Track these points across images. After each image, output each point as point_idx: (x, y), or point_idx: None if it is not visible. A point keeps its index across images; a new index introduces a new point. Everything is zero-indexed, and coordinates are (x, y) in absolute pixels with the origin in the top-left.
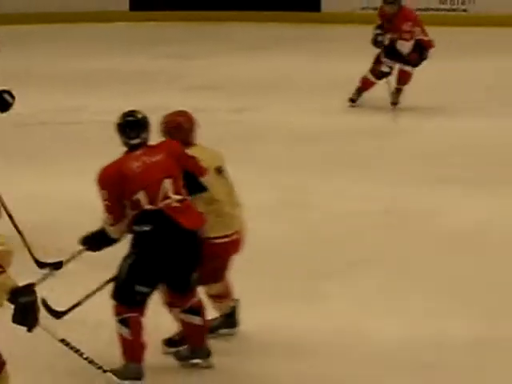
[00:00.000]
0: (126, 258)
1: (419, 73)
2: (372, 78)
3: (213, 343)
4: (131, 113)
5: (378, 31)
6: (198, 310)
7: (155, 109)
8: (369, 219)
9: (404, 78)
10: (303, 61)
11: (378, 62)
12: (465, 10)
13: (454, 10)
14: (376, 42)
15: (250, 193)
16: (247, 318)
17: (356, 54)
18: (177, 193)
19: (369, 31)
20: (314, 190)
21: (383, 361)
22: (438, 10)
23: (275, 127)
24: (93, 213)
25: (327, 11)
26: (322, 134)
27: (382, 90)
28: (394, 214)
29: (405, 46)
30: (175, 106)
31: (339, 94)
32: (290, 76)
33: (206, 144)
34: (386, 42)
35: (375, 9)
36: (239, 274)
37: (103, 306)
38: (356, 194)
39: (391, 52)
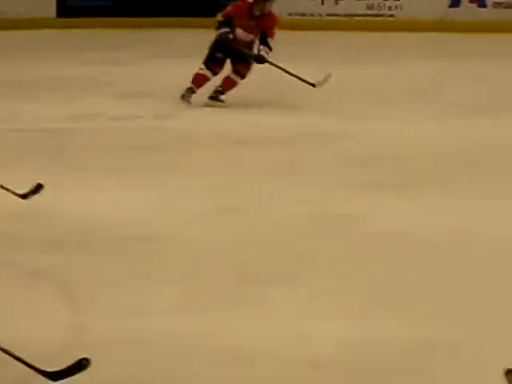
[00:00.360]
0: None
1: (351, 78)
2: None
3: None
4: None
5: None
6: None
7: (85, 116)
8: (303, 223)
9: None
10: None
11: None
12: (392, 16)
13: (380, 15)
14: None
15: (185, 198)
16: (184, 324)
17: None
18: None
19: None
20: (250, 194)
21: (321, 364)
22: (365, 15)
23: (210, 132)
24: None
25: None
26: (257, 139)
27: (317, 94)
28: (327, 218)
29: None
30: (106, 112)
31: (274, 98)
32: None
33: (141, 150)
34: None
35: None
36: (176, 279)
37: None
38: (291, 198)
39: None
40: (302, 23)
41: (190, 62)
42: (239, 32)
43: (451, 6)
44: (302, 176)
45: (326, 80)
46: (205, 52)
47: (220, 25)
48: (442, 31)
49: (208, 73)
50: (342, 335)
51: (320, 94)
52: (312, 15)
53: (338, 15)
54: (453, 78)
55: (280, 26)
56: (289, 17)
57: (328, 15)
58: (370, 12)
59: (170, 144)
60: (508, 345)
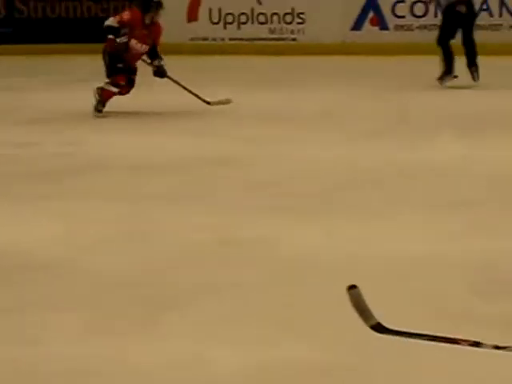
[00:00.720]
0: None
1: (252, 102)
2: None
3: None
4: None
5: None
6: None
7: None
8: (206, 248)
9: None
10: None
11: None
12: (294, 40)
13: (283, 39)
14: None
15: (86, 225)
16: (85, 352)
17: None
18: None
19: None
20: (150, 221)
21: None
22: (268, 39)
23: (116, 157)
24: None
25: None
26: (156, 164)
27: (217, 118)
28: (228, 243)
29: None
30: (8, 139)
31: (177, 123)
32: (128, 106)
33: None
34: None
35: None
36: (75, 306)
37: None
38: (195, 223)
39: None
40: (205, 48)
41: (91, 87)
42: (134, 42)
43: (353, 28)
44: (203, 201)
45: (223, 102)
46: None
47: (112, 31)
48: (345, 54)
49: (113, 88)
50: (239, 361)
51: (220, 118)
52: (214, 39)
53: (240, 39)
54: (356, 101)
55: (182, 50)
56: (191, 41)
57: (231, 39)
58: (272, 36)
59: (70, 171)
60: (420, 363)
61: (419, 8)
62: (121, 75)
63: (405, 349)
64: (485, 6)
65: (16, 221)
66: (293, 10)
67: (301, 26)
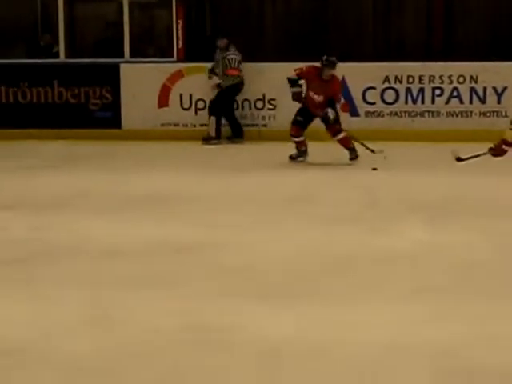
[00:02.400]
0: None
1: (225, 187)
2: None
3: None
4: None
5: None
6: None
7: None
8: (172, 335)
9: None
10: (101, 176)
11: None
12: (265, 126)
13: (254, 125)
14: None
15: (55, 309)
16: None
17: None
18: None
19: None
20: (117, 306)
21: None
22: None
23: (79, 243)
24: None
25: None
26: (123, 249)
27: (183, 204)
28: (197, 329)
29: None
30: None
31: (145, 208)
32: (93, 192)
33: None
34: None
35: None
36: None
37: None
38: (161, 309)
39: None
40: (175, 133)
41: (61, 172)
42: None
43: None
44: (170, 287)
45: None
46: (72, 161)
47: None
48: (316, 140)
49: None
50: None
51: (187, 203)
52: (186, 125)
53: None
54: (324, 186)
55: (153, 136)
56: (162, 127)
57: (201, 125)
58: (243, 121)
59: (38, 255)
60: None
61: (390, 94)
62: (296, 127)
63: None
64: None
65: None
66: (264, 96)
67: (271, 112)
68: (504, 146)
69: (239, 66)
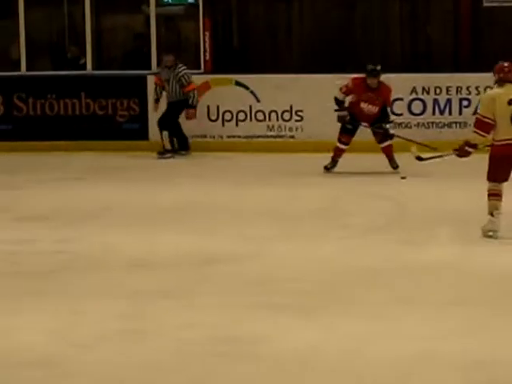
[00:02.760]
0: None
1: (252, 199)
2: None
3: None
4: None
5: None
6: None
7: None
8: (201, 347)
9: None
10: (129, 188)
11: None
12: (292, 137)
13: (281, 136)
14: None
15: (84, 321)
16: None
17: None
18: None
19: None
20: (151, 317)
21: None
22: (265, 136)
23: (112, 255)
24: None
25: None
26: (151, 262)
27: (211, 216)
28: (224, 340)
29: None
30: (4, 237)
31: (174, 220)
32: (121, 204)
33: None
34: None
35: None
36: None
37: None
38: (191, 321)
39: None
40: (203, 145)
41: (89, 184)
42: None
43: None
44: (199, 298)
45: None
46: (100, 174)
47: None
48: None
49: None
50: None
51: (217, 215)
52: (213, 137)
53: (238, 137)
54: (354, 198)
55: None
56: (190, 139)
57: (228, 137)
58: (270, 133)
59: (68, 268)
60: None
61: (417, 105)
62: (347, 135)
63: None
64: None
65: (13, 318)
66: (291, 107)
67: (299, 124)
68: (467, 148)
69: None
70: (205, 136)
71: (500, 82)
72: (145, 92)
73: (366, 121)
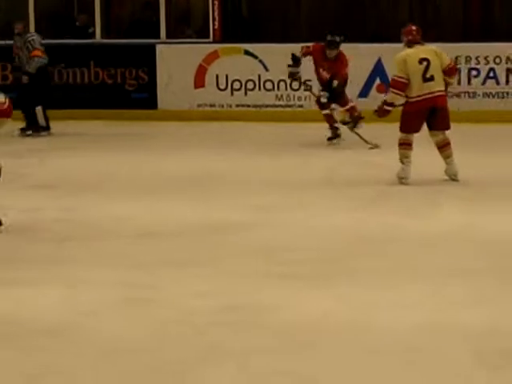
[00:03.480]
0: None
1: (260, 169)
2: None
3: None
4: None
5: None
6: None
7: None
8: (209, 316)
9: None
10: (137, 157)
11: None
12: (301, 106)
13: (290, 106)
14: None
15: (91, 290)
16: None
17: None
18: None
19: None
20: (157, 286)
21: None
22: (274, 106)
23: (119, 224)
24: None
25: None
26: (160, 231)
27: (222, 185)
28: (235, 309)
29: None
30: (9, 206)
31: (182, 189)
32: (128, 173)
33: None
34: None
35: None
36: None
37: None
38: (200, 290)
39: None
40: (212, 114)
41: (97, 152)
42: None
43: (360, 95)
44: (208, 267)
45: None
46: (108, 142)
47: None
48: None
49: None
50: None
51: (226, 184)
52: (221, 106)
53: (247, 106)
54: (358, 168)
55: (189, 117)
56: (198, 108)
57: (237, 106)
58: (278, 103)
59: (73, 237)
60: None
61: None
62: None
63: None
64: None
65: (21, 287)
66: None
67: (307, 93)
68: (385, 107)
69: (42, 47)
70: (213, 105)
71: (409, 44)
72: (154, 61)
73: (322, 86)
